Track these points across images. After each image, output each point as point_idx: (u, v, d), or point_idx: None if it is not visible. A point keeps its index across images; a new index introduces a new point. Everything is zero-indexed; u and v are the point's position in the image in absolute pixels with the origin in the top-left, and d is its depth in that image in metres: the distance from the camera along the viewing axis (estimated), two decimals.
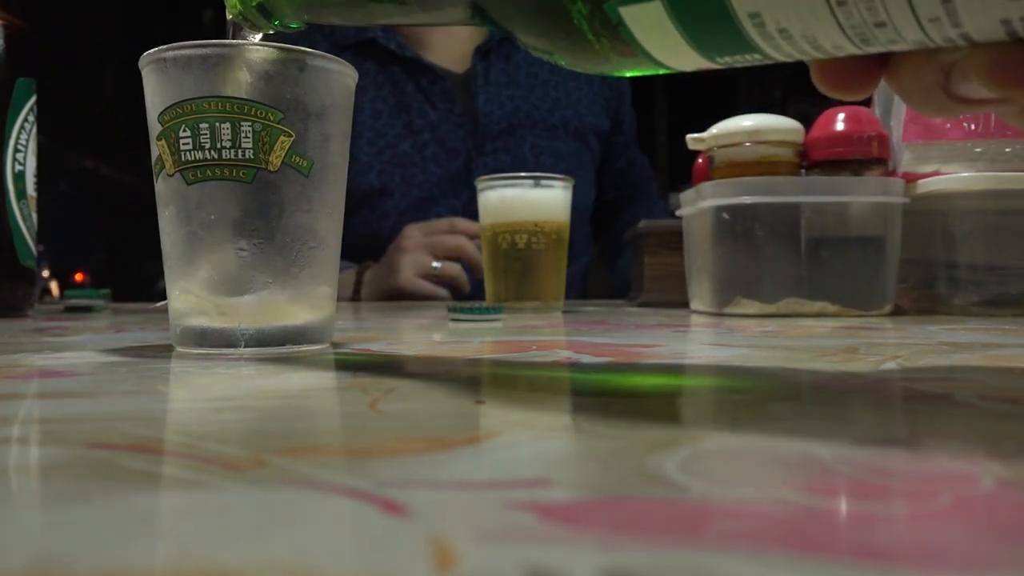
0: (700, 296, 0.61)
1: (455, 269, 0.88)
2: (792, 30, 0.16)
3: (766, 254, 0.55)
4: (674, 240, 0.67)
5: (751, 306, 0.55)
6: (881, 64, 0.18)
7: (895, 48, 0.17)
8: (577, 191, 0.70)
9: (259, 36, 0.28)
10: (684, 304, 0.65)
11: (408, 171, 1.00)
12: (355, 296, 0.94)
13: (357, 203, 0.99)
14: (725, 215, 0.55)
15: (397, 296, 0.89)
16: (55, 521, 0.09)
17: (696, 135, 0.61)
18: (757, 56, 0.18)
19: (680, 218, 0.64)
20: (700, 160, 0.66)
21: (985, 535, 0.09)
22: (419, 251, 0.88)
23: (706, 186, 0.57)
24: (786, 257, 0.55)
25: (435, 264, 0.88)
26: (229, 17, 0.27)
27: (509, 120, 1.03)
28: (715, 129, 0.59)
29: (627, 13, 0.17)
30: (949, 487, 0.11)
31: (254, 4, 0.26)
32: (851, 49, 0.17)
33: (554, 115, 1.06)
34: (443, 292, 0.89)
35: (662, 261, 0.73)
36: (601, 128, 1.12)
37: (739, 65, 0.18)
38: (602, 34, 0.18)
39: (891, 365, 0.25)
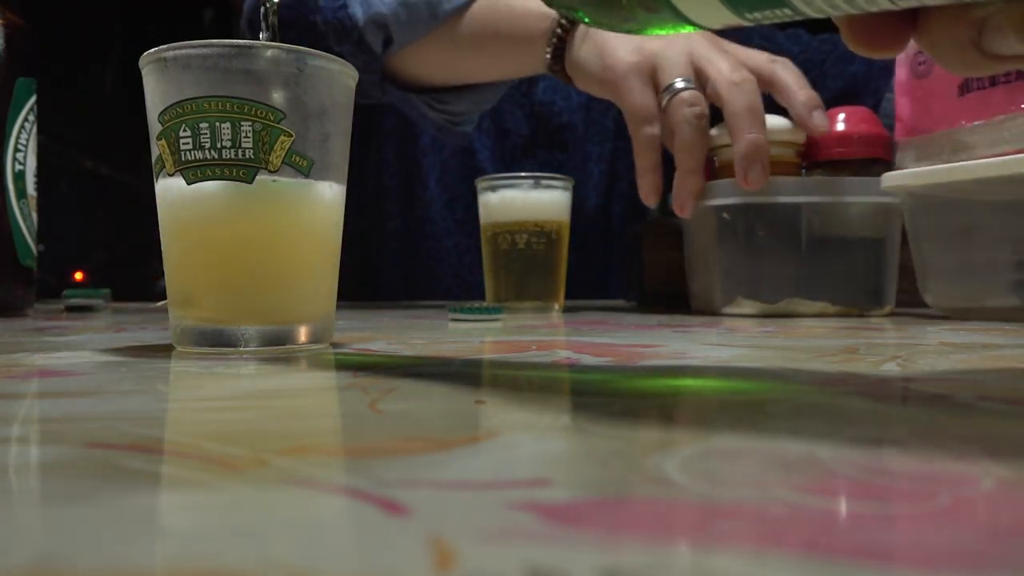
0: (700, 296, 0.61)
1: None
2: None
3: (766, 254, 0.55)
4: (674, 240, 0.67)
5: (751, 306, 0.55)
6: (912, 21, 0.18)
7: (929, 3, 0.16)
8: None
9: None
10: (684, 304, 0.65)
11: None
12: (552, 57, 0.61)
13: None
14: (725, 215, 0.55)
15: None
16: (55, 521, 0.09)
17: None
18: (787, 11, 0.17)
19: (680, 218, 0.64)
20: None
21: (985, 535, 0.09)
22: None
23: (706, 186, 0.57)
24: (786, 257, 0.55)
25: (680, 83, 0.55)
26: None
27: (571, 115, 0.96)
28: (715, 129, 0.59)
29: None
30: (949, 487, 0.11)
31: None
32: (884, 4, 0.16)
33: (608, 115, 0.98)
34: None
35: (662, 261, 0.73)
36: None
37: (767, 21, 0.18)
38: None
39: (891, 365, 0.25)
